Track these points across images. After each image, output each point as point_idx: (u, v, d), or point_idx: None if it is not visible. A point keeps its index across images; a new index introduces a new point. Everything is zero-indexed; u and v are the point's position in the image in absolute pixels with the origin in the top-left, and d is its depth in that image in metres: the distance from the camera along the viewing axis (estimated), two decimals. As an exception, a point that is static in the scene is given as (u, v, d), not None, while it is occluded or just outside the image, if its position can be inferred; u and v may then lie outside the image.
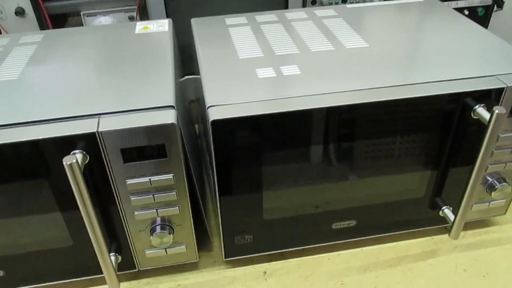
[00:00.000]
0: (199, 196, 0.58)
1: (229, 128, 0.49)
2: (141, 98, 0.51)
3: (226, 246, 0.60)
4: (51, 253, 0.56)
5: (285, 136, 0.52)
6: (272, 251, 0.63)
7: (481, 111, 0.52)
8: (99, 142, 0.47)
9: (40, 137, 0.46)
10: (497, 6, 1.02)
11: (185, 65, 0.80)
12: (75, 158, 0.44)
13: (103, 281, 0.54)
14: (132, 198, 0.52)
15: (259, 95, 0.51)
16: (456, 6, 1.03)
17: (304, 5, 0.95)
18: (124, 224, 0.54)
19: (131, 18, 0.93)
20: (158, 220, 0.55)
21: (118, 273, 0.54)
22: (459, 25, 0.68)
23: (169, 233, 0.55)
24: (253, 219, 0.58)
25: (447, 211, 0.62)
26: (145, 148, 0.48)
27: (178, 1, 0.90)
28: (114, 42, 0.66)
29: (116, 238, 0.56)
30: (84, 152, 0.47)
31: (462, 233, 0.65)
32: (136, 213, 0.53)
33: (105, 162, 0.49)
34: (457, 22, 0.69)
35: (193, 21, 0.73)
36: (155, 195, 0.52)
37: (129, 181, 0.50)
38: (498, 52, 0.59)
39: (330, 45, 0.63)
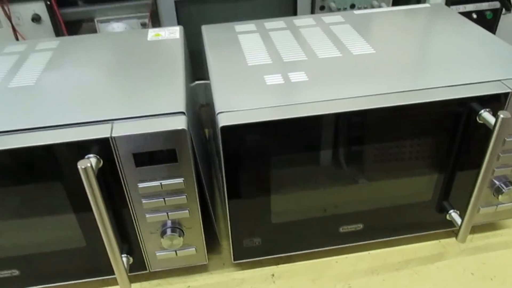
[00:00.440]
0: (208, 199, 0.59)
1: (238, 133, 0.50)
2: (153, 104, 0.52)
3: (235, 248, 0.61)
4: (64, 253, 0.57)
5: (293, 141, 0.53)
6: (280, 254, 0.64)
7: (487, 116, 0.53)
8: (112, 147, 0.49)
9: (56, 142, 0.47)
10: (505, 9, 1.02)
11: (195, 70, 0.81)
12: (90, 162, 0.46)
13: (114, 282, 0.55)
14: (143, 201, 0.53)
15: (267, 101, 0.52)
16: (464, 10, 1.03)
17: (312, 11, 0.96)
18: (135, 226, 0.56)
19: (143, 25, 0.95)
20: (169, 222, 0.56)
21: (129, 274, 0.55)
22: (465, 30, 0.69)
23: (179, 236, 0.56)
24: (262, 223, 0.59)
25: (454, 215, 0.62)
26: (156, 152, 0.50)
27: (189, 8, 0.92)
28: (127, 49, 0.68)
29: (128, 240, 0.57)
30: (98, 156, 0.49)
31: (469, 237, 0.66)
32: (147, 216, 0.55)
33: (117, 166, 0.50)
34: (463, 27, 0.70)
35: (204, 28, 0.74)
36: (165, 199, 0.53)
37: (140, 185, 0.52)
38: (503, 57, 0.60)
39: (338, 51, 0.64)
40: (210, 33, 0.72)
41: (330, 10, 0.96)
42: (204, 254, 0.61)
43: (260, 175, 0.54)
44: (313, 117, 0.51)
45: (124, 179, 0.51)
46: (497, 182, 0.61)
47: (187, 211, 0.55)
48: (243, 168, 0.53)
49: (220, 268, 0.65)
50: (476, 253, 0.65)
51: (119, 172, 0.51)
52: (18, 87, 0.58)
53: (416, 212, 0.63)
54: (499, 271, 0.62)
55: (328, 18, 0.76)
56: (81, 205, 0.53)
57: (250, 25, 0.74)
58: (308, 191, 0.58)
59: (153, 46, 0.68)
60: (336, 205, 0.60)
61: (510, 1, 1.01)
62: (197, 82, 0.83)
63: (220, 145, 0.51)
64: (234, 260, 0.62)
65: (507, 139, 0.57)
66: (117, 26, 0.95)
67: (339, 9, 0.97)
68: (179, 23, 0.92)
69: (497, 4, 1.02)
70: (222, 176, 0.55)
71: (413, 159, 0.58)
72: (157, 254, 0.59)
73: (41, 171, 0.50)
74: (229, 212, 0.57)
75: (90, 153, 0.48)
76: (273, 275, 0.63)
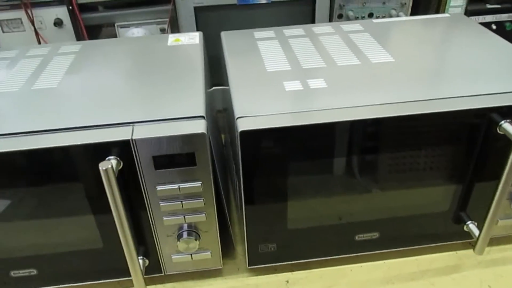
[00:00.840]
0: (225, 204, 0.59)
1: (257, 138, 0.51)
2: (173, 108, 0.53)
3: (250, 254, 0.61)
4: (82, 254, 0.58)
5: (311, 147, 0.53)
6: (295, 260, 0.63)
7: (507, 127, 0.52)
8: (133, 149, 0.49)
9: (78, 143, 0.48)
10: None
11: (212, 75, 0.82)
12: (111, 164, 0.46)
13: (130, 284, 0.55)
14: (161, 204, 0.54)
15: (286, 107, 0.52)
16: (483, 21, 1.02)
17: (330, 20, 0.97)
18: (152, 229, 0.56)
19: (163, 30, 0.96)
20: (185, 226, 0.57)
21: (145, 276, 0.55)
22: (485, 40, 0.68)
23: (195, 239, 0.57)
24: (277, 228, 0.59)
25: (472, 226, 0.62)
26: (176, 156, 0.50)
27: (208, 13, 0.93)
28: (147, 53, 0.69)
29: (145, 242, 0.58)
30: (118, 158, 0.49)
31: (487, 249, 0.64)
32: (164, 219, 0.55)
33: (137, 168, 0.51)
34: (483, 37, 0.69)
35: (223, 34, 0.75)
36: (183, 202, 0.54)
37: (159, 187, 0.52)
38: (525, 68, 0.60)
39: (356, 59, 0.64)
40: (229, 40, 0.73)
41: (348, 18, 0.97)
42: (219, 258, 0.61)
43: (277, 180, 0.55)
44: (332, 124, 0.51)
45: (143, 182, 0.52)
46: (516, 194, 0.60)
47: (203, 214, 0.56)
48: (261, 173, 0.54)
49: (234, 273, 0.65)
50: (494, 266, 0.64)
51: (139, 174, 0.51)
52: (41, 89, 0.60)
53: (433, 222, 0.63)
54: (517, 284, 0.61)
55: (347, 26, 0.76)
56: (100, 206, 0.53)
57: (269, 32, 0.75)
58: (325, 198, 0.58)
59: (173, 51, 0.69)
60: (352, 213, 0.60)
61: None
62: (214, 87, 0.84)
63: (239, 150, 0.51)
64: (249, 265, 0.62)
65: (528, 151, 0.56)
66: (136, 31, 0.96)
67: (357, 18, 0.97)
68: (197, 29, 0.93)
69: (516, 15, 1.02)
70: (239, 181, 0.55)
71: (431, 169, 0.57)
72: (173, 257, 0.59)
73: (61, 172, 0.51)
74: (245, 216, 0.57)
75: (110, 155, 0.49)
76: (287, 281, 0.63)
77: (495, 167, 0.56)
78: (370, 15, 0.98)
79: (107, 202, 0.48)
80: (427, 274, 0.63)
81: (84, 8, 0.95)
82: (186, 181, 0.52)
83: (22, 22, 0.93)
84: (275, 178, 0.54)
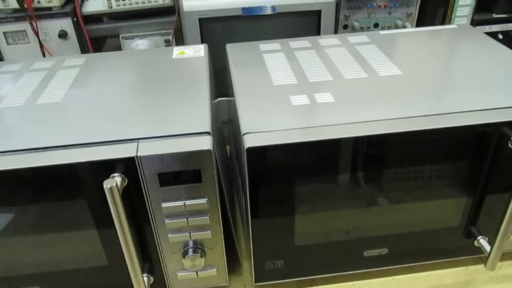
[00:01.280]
0: (231, 220, 0.58)
1: (264, 155, 0.50)
2: (179, 124, 0.52)
3: (256, 270, 0.60)
4: (86, 271, 0.57)
5: (319, 163, 0.52)
6: (302, 277, 0.62)
7: (519, 141, 0.51)
8: (138, 166, 0.48)
9: (82, 160, 0.48)
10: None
11: (217, 86, 0.82)
12: (115, 181, 0.45)
13: (135, 301, 0.55)
14: (166, 221, 0.53)
15: (293, 122, 0.52)
16: (490, 31, 1.02)
17: (336, 30, 0.96)
18: (157, 246, 0.55)
19: (167, 41, 0.96)
20: (191, 243, 0.56)
21: (150, 294, 0.55)
22: (493, 52, 0.68)
23: (201, 256, 0.56)
24: (285, 245, 0.58)
25: (483, 241, 0.60)
26: (181, 172, 0.49)
27: (212, 25, 0.92)
28: (152, 66, 0.68)
29: (149, 259, 0.57)
30: (123, 175, 0.49)
31: (498, 264, 0.63)
32: (169, 236, 0.54)
33: (142, 185, 0.50)
34: (491, 49, 0.69)
35: (228, 46, 0.74)
36: (188, 219, 0.53)
37: (164, 204, 0.52)
38: (535, 81, 0.59)
39: (364, 72, 0.63)
40: (235, 52, 0.72)
41: (353, 29, 0.96)
42: (225, 275, 0.60)
43: (284, 196, 0.54)
44: (340, 140, 0.50)
45: (148, 199, 0.51)
46: (528, 209, 0.59)
47: (209, 231, 0.55)
48: (268, 189, 0.53)
49: (240, 289, 0.64)
50: (506, 281, 0.63)
51: (144, 191, 0.50)
52: (45, 103, 0.59)
53: (443, 238, 0.62)
54: (530, 301, 0.60)
55: (353, 38, 0.75)
56: (104, 223, 0.52)
57: (275, 44, 0.74)
58: (333, 214, 0.57)
59: (178, 64, 0.68)
60: (360, 228, 0.59)
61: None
62: (219, 99, 0.83)
63: (245, 166, 0.50)
64: (255, 282, 0.61)
65: (540, 165, 0.55)
66: (141, 43, 0.96)
67: (362, 28, 0.97)
68: (202, 41, 0.92)
69: (524, 25, 1.01)
70: (245, 197, 0.55)
71: (441, 184, 0.56)
72: (178, 274, 0.58)
73: (66, 189, 0.50)
74: (252, 232, 0.56)
75: (115, 172, 0.48)
76: (294, 298, 0.62)
77: (506, 181, 0.55)
78: (376, 26, 0.97)
79: (112, 219, 0.47)
80: (437, 290, 0.62)
81: (89, 19, 0.95)
82: (192, 198, 0.52)
83: (26, 34, 0.93)
84: (282, 194, 0.53)
